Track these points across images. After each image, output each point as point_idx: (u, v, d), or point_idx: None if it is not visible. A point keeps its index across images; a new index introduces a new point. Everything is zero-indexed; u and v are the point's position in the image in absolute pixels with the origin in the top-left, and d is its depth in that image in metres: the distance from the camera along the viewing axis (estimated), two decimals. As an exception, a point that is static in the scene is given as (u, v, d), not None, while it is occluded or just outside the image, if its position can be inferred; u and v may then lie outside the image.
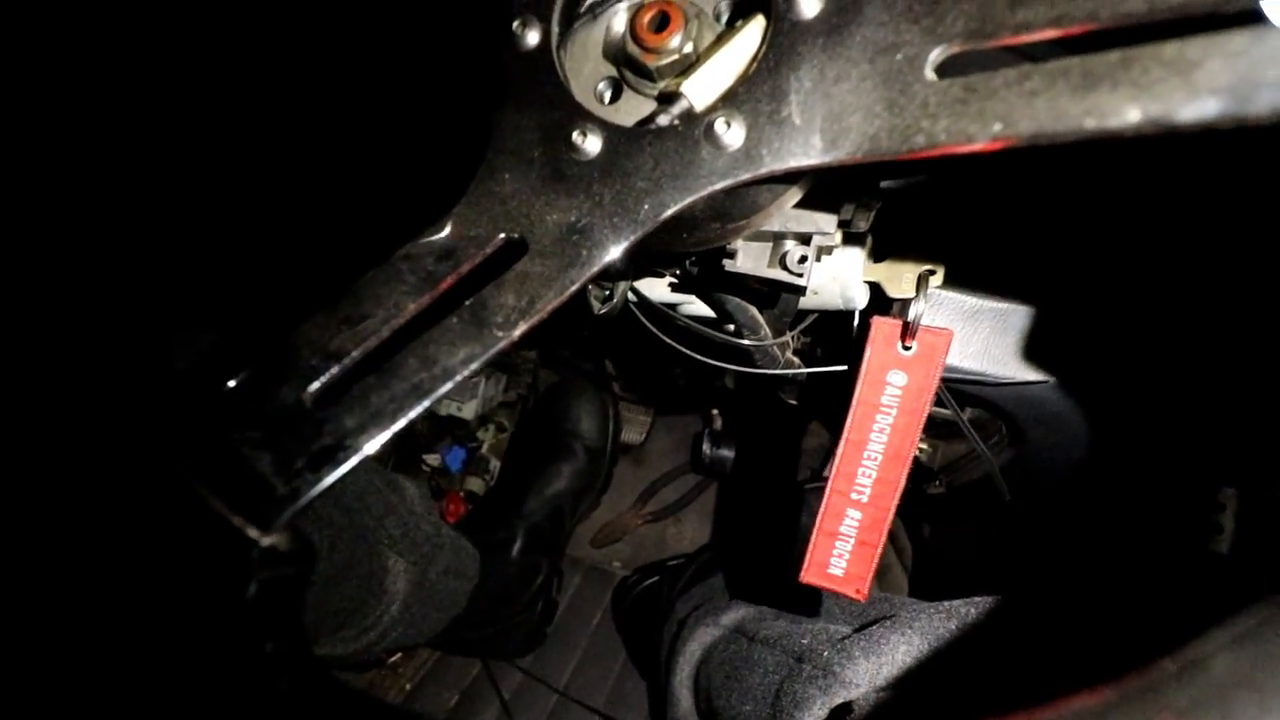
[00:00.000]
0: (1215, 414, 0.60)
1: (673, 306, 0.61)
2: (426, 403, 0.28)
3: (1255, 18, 0.22)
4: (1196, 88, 0.21)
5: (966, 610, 0.54)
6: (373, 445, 0.28)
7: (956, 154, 0.28)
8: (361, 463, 0.27)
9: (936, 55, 0.30)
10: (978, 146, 0.27)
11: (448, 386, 0.29)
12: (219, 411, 0.28)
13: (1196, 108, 0.21)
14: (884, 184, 0.44)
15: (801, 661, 0.62)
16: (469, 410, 1.36)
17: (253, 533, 0.26)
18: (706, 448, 1.30)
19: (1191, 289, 0.55)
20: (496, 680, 1.20)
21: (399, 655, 1.19)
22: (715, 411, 1.24)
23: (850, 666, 0.56)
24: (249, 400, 0.28)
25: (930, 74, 0.30)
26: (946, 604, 0.57)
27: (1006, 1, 0.28)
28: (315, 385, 0.28)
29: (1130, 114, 0.22)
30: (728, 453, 1.27)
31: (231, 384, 0.29)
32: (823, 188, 0.42)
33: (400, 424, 0.28)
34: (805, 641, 0.64)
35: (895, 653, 0.55)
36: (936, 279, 0.52)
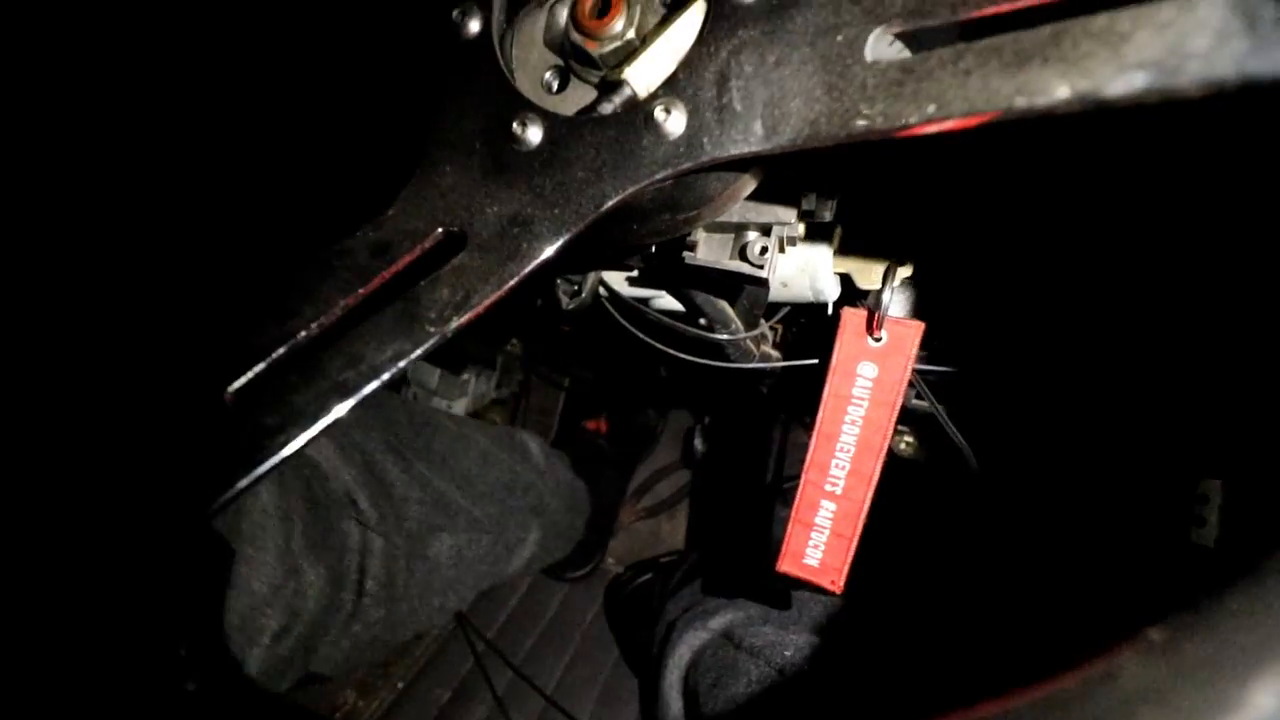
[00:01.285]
0: (1198, 404, 0.59)
1: (645, 301, 0.60)
2: (352, 401, 0.28)
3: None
4: (1125, 61, 0.20)
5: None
6: (293, 445, 0.27)
7: (894, 136, 0.27)
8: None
9: (877, 36, 0.29)
10: (913, 129, 0.26)
11: (375, 385, 0.28)
12: (143, 406, 0.27)
13: (1125, 81, 0.20)
14: (844, 174, 0.42)
15: (783, 675, 0.62)
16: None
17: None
18: (698, 443, 1.30)
19: (1173, 279, 0.53)
20: (490, 676, 1.20)
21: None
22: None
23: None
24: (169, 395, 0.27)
25: (870, 55, 0.29)
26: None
27: (944, -22, 0.26)
28: (236, 384, 0.28)
29: (1059, 90, 0.21)
30: (718, 448, 1.26)
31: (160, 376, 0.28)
32: (781, 178, 0.41)
33: (323, 423, 0.27)
34: (788, 654, 0.64)
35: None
36: (906, 270, 0.51)
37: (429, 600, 0.82)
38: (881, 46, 0.29)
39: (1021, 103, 0.22)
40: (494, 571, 0.98)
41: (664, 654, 0.90)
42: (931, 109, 0.25)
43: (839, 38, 0.29)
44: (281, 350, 0.28)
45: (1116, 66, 0.20)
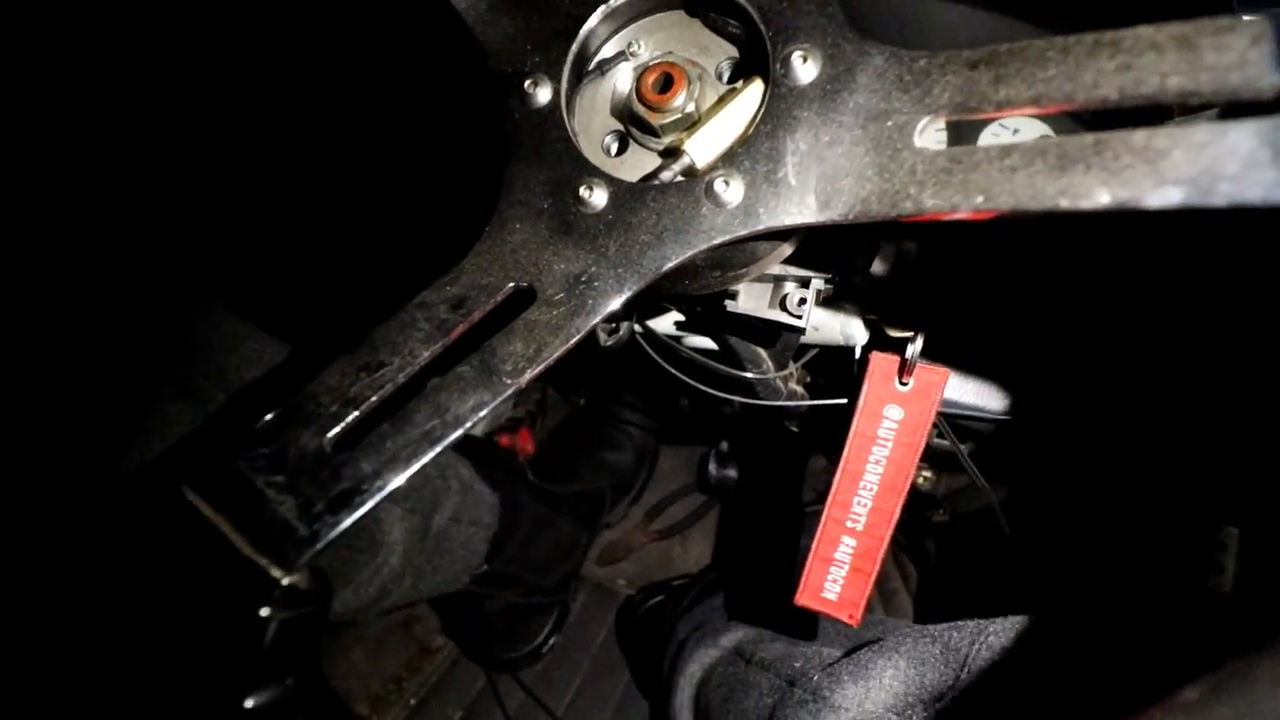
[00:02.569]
0: (1217, 453, 0.60)
1: (678, 339, 0.63)
2: (439, 448, 0.30)
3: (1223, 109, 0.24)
4: (1162, 177, 0.23)
5: (949, 634, 0.55)
6: (388, 489, 0.29)
7: (942, 220, 0.30)
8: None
9: (925, 124, 0.31)
10: (962, 215, 0.29)
11: (459, 433, 0.31)
12: (244, 455, 0.29)
13: (1162, 195, 0.23)
14: (880, 237, 0.45)
15: (793, 685, 0.63)
16: (478, 428, 1.38)
17: (276, 572, 0.27)
18: (712, 468, 1.31)
19: (1192, 330, 0.56)
20: (501, 696, 1.21)
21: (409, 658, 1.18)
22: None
23: (839, 691, 0.57)
24: (273, 444, 0.30)
25: (919, 141, 0.31)
26: (933, 628, 0.57)
27: (990, 79, 0.29)
28: (334, 431, 0.30)
29: (1101, 196, 0.24)
30: (733, 473, 1.28)
31: (257, 425, 0.30)
32: (822, 236, 0.44)
33: (414, 468, 0.30)
34: (798, 665, 0.65)
35: (882, 676, 0.56)
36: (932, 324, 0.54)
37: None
38: (928, 134, 0.31)
39: (1065, 204, 0.25)
40: (344, 570, 0.74)
41: (675, 672, 0.91)
42: (979, 200, 0.28)
43: (889, 123, 0.32)
44: (374, 399, 0.31)
45: (1155, 181, 0.23)
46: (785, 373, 0.61)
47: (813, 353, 0.62)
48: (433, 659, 1.25)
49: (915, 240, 0.48)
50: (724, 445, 1.31)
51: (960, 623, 0.56)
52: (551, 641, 1.14)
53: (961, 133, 0.48)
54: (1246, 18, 0.22)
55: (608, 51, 0.41)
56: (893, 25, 0.55)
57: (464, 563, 0.91)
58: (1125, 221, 0.25)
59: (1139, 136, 0.24)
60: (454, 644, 1.22)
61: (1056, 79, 0.27)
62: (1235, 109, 0.23)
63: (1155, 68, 0.24)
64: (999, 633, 0.52)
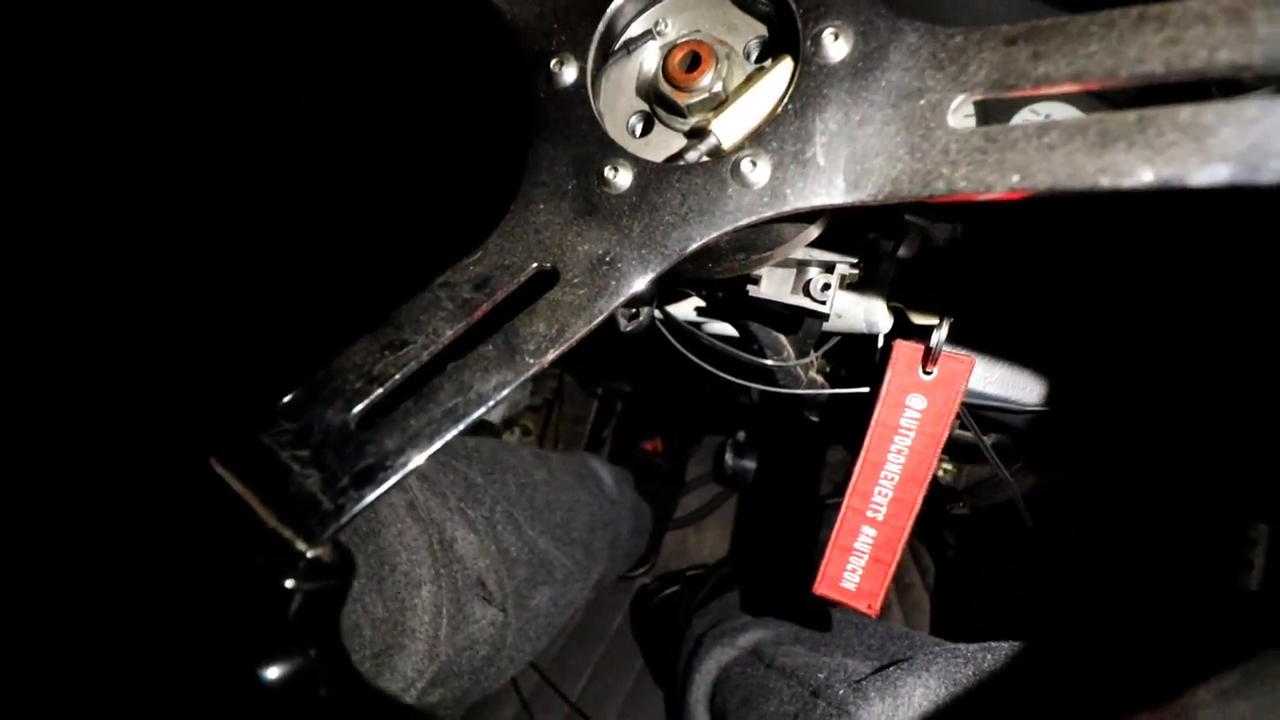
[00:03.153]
0: (1246, 449, 0.59)
1: (698, 325, 0.62)
2: (462, 426, 0.30)
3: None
4: (1209, 153, 0.22)
5: (983, 656, 0.54)
6: (411, 465, 0.29)
7: (975, 200, 0.29)
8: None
9: (959, 102, 0.31)
10: (996, 195, 0.28)
11: (482, 410, 0.31)
12: (271, 429, 0.30)
13: (1209, 172, 0.22)
14: (908, 218, 0.44)
15: (817, 697, 0.63)
16: (495, 414, 1.39)
17: (300, 545, 0.28)
18: (729, 458, 1.31)
19: (1224, 325, 0.54)
20: (517, 679, 1.22)
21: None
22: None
23: (865, 708, 0.57)
24: (299, 419, 0.30)
25: (952, 120, 0.30)
26: (965, 648, 0.57)
27: (1029, 54, 0.28)
28: (359, 407, 0.30)
29: (1144, 174, 0.23)
30: (750, 464, 1.27)
31: (283, 401, 0.31)
32: (847, 219, 0.43)
33: (437, 445, 0.30)
34: (822, 676, 0.65)
35: (912, 696, 0.55)
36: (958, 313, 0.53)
37: (523, 650, 0.84)
38: (960, 113, 0.31)
39: (1106, 181, 0.24)
40: (575, 606, 0.99)
41: (691, 669, 0.91)
42: (1016, 179, 0.27)
43: (922, 101, 0.31)
44: (397, 377, 0.31)
45: (1202, 158, 0.22)
46: (806, 360, 0.61)
47: (835, 340, 0.61)
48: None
49: (943, 222, 0.47)
50: (740, 435, 1.30)
51: (993, 644, 0.55)
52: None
53: (990, 117, 0.47)
54: (1304, -13, 0.21)
55: (634, 30, 0.40)
56: (925, 7, 0.54)
57: (634, 556, 1.25)
58: (1167, 202, 0.25)
59: (1185, 112, 0.23)
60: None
61: (1099, 54, 0.26)
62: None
63: (1204, 40, 0.23)
64: (1034, 656, 0.52)
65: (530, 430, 1.48)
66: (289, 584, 0.26)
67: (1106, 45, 0.26)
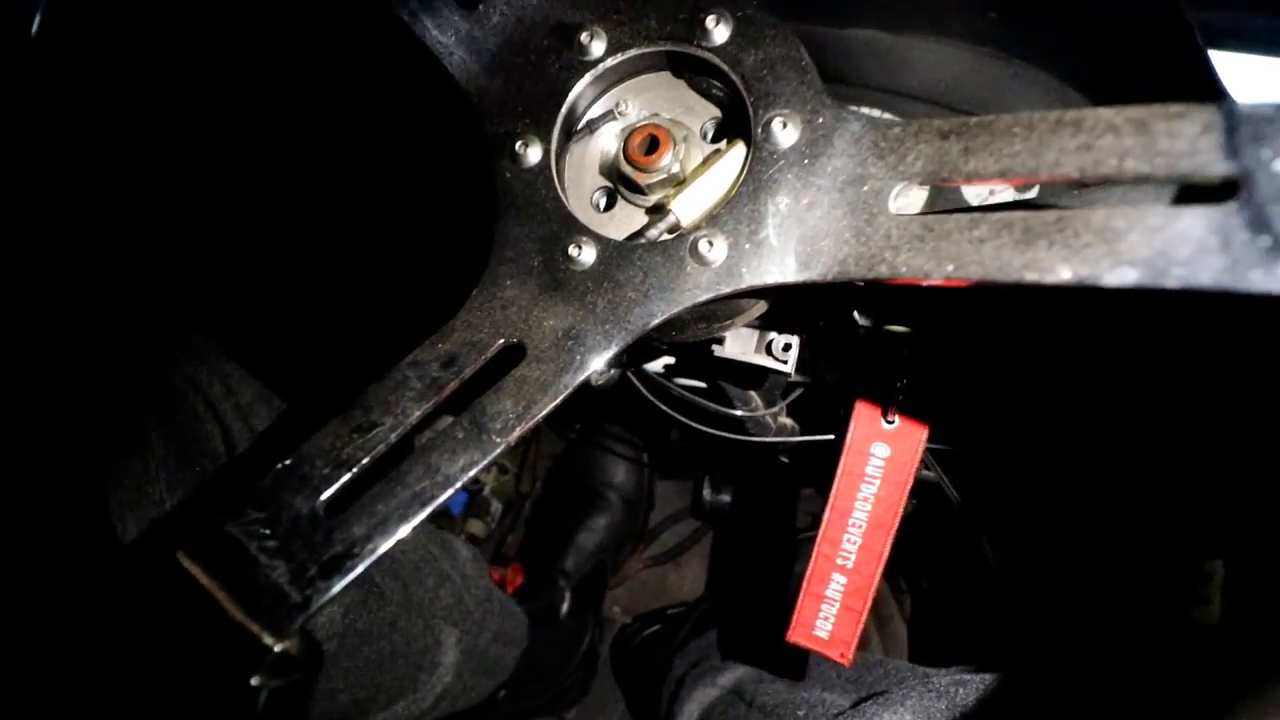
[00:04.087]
0: (1201, 489, 0.61)
1: (668, 376, 0.64)
2: (429, 509, 0.31)
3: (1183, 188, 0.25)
4: (1119, 257, 0.24)
5: (956, 690, 0.55)
6: (379, 551, 0.30)
7: (917, 284, 0.31)
8: (418, 528, 0.29)
9: (899, 190, 0.33)
10: (934, 282, 0.30)
11: (449, 493, 0.31)
12: (238, 519, 0.30)
13: (1119, 274, 0.24)
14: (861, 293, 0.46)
15: None
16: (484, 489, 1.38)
17: (268, 639, 0.28)
18: (707, 493, 1.31)
19: (1177, 367, 0.57)
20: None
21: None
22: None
23: None
24: (267, 508, 0.30)
25: (893, 206, 0.32)
26: (939, 680, 0.58)
27: (960, 149, 0.30)
28: (327, 493, 0.31)
29: (1063, 272, 0.25)
30: (728, 499, 1.28)
31: (253, 489, 0.31)
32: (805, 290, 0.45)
33: (405, 530, 0.30)
34: (801, 714, 0.65)
35: None
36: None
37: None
38: (901, 200, 0.33)
39: (1031, 276, 0.26)
40: (401, 686, 0.77)
41: (672, 712, 0.91)
42: (950, 268, 0.29)
43: (865, 188, 0.33)
44: (365, 460, 0.32)
45: (1113, 260, 0.24)
46: (774, 410, 0.62)
47: (801, 390, 0.63)
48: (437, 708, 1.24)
49: (899, 290, 0.49)
50: (717, 472, 1.31)
51: (965, 677, 0.56)
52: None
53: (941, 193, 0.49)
54: (1195, 106, 0.24)
55: (596, 111, 0.42)
56: (873, 63, 0.57)
57: (497, 680, 0.96)
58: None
59: (1098, 216, 0.25)
60: None
61: (1022, 154, 0.28)
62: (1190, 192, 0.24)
63: (1113, 149, 0.25)
64: (1005, 689, 0.53)
65: (508, 469, 1.48)
66: (255, 681, 0.26)
67: (1028, 146, 0.28)
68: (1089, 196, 0.39)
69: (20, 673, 0.34)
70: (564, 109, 0.39)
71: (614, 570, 1.30)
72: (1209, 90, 0.45)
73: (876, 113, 0.51)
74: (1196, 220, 0.22)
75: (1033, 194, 0.50)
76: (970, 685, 0.55)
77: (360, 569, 0.29)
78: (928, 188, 0.52)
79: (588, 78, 0.39)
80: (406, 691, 0.77)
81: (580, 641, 1.16)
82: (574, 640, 1.15)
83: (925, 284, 0.30)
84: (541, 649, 1.06)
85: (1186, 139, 0.24)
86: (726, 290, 0.35)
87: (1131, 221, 0.24)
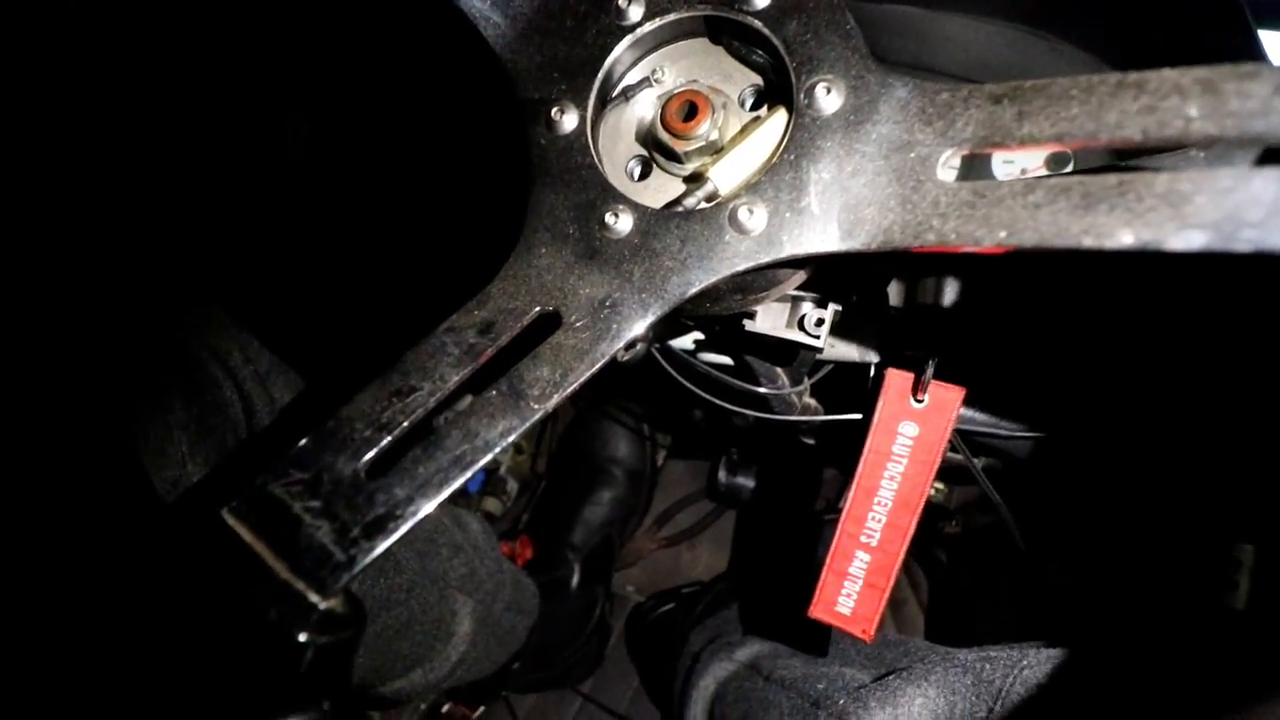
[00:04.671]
0: (1230, 473, 0.61)
1: (693, 353, 0.63)
2: (470, 473, 0.31)
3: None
4: (1185, 220, 0.23)
5: (981, 665, 0.55)
6: (421, 514, 0.30)
7: (964, 252, 0.30)
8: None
9: (948, 156, 0.32)
10: (984, 249, 0.29)
11: (489, 457, 0.31)
12: (282, 480, 0.30)
13: (1184, 238, 0.23)
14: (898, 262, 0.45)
15: (818, 707, 0.64)
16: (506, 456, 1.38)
17: (314, 597, 0.28)
18: (723, 474, 1.31)
19: (1210, 351, 0.56)
20: (512, 702, 1.21)
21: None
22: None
23: (866, 717, 0.57)
24: (309, 469, 0.31)
25: (941, 174, 0.32)
26: (962, 656, 0.58)
27: (1014, 114, 0.30)
28: (368, 456, 0.31)
29: (1124, 237, 0.24)
30: (744, 480, 1.28)
31: (293, 450, 0.31)
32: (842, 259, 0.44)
33: (446, 493, 0.30)
34: (821, 686, 0.65)
35: (911, 705, 0.56)
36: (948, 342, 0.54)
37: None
38: (948, 166, 0.32)
39: (1089, 242, 0.25)
40: (418, 654, 0.78)
41: (688, 686, 0.91)
42: (1003, 234, 0.28)
43: (912, 155, 0.33)
44: (405, 424, 0.32)
45: (1178, 224, 0.23)
46: (800, 388, 0.62)
47: (828, 369, 0.62)
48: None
49: (934, 266, 0.48)
50: (734, 452, 1.31)
51: (992, 653, 0.56)
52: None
53: (973, 161, 0.48)
54: (1269, 66, 0.23)
55: (632, 78, 0.41)
56: (907, 39, 0.56)
57: (510, 650, 0.98)
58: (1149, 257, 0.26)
59: (1163, 179, 0.24)
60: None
61: (1080, 117, 0.27)
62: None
63: (1179, 111, 0.25)
64: (1033, 665, 0.53)
65: (524, 449, 1.48)
66: (302, 638, 0.27)
67: (1087, 109, 0.27)
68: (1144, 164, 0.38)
69: (55, 633, 0.35)
70: (600, 75, 0.39)
71: (621, 544, 1.31)
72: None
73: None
74: (1269, 182, 0.22)
75: (1069, 169, 0.49)
76: (997, 662, 0.54)
77: (403, 530, 0.29)
78: (955, 167, 0.51)
79: (625, 43, 0.39)
80: (423, 659, 0.79)
81: (591, 612, 1.18)
82: (585, 612, 1.17)
83: (974, 250, 0.30)
84: (553, 620, 1.07)
85: (1259, 99, 0.23)
86: (766, 259, 0.35)
87: (1199, 184, 0.23)
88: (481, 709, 1.16)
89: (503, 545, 1.17)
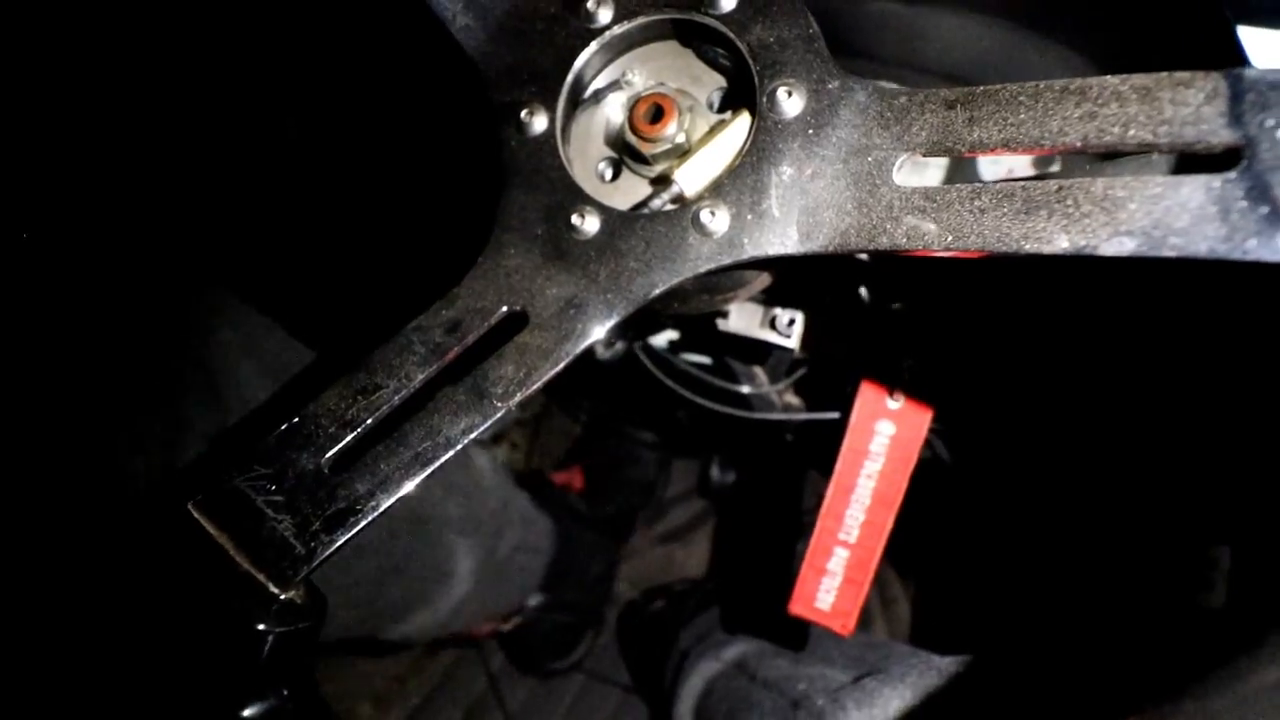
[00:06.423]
0: (1208, 475, 0.61)
1: (674, 352, 0.64)
2: (430, 469, 0.32)
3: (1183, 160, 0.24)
4: (1118, 227, 0.24)
5: (953, 668, 0.56)
6: (382, 508, 0.31)
7: (916, 255, 0.31)
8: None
9: (903, 160, 0.32)
10: (935, 252, 0.30)
11: (450, 454, 0.32)
12: (246, 475, 0.31)
13: (1116, 244, 0.24)
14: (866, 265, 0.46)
15: (797, 708, 0.65)
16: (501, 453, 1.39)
17: (274, 588, 0.29)
18: (715, 472, 1.32)
19: (1186, 351, 0.56)
20: (503, 697, 1.22)
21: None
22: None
23: (844, 717, 0.58)
24: (273, 464, 0.31)
25: (897, 178, 0.32)
26: (939, 660, 0.58)
27: (965, 120, 0.30)
28: (332, 452, 0.32)
29: (1061, 242, 0.25)
30: (735, 479, 1.29)
31: (259, 445, 0.32)
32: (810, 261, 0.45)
33: (407, 488, 0.31)
34: (802, 687, 0.66)
35: (888, 706, 0.57)
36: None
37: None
38: (906, 169, 0.32)
39: (1029, 247, 0.26)
40: (410, 600, 0.78)
41: (677, 683, 0.92)
42: (950, 239, 0.29)
43: (869, 158, 0.33)
44: (369, 421, 0.32)
45: (1111, 230, 0.24)
46: (779, 387, 0.62)
47: (804, 369, 0.63)
48: (436, 659, 1.27)
49: (908, 268, 0.49)
50: (725, 451, 1.32)
51: (969, 659, 0.57)
52: (590, 649, 1.23)
53: (960, 161, 0.48)
54: (1202, 74, 0.23)
55: (602, 81, 0.42)
56: (889, 36, 0.56)
57: (524, 588, 0.99)
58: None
59: (1099, 185, 0.25)
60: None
61: (1026, 123, 0.28)
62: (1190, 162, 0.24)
63: (1117, 118, 0.25)
64: (1008, 671, 0.53)
65: (518, 445, 1.49)
66: (261, 627, 0.28)
67: (1033, 115, 0.28)
68: (1111, 167, 0.38)
69: (29, 622, 0.36)
70: (570, 77, 0.39)
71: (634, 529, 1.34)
72: (1236, 65, 0.44)
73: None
74: (1196, 189, 0.22)
75: (1055, 168, 0.49)
76: (971, 665, 0.55)
77: (363, 524, 0.30)
78: (945, 166, 0.51)
79: (594, 45, 0.39)
80: (418, 604, 0.79)
81: (613, 566, 1.21)
82: (604, 553, 1.19)
83: (926, 254, 0.30)
84: (591, 567, 1.11)
85: (1191, 106, 0.23)
86: (728, 261, 0.35)
87: (1132, 190, 0.24)
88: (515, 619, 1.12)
89: (556, 475, 1.20)
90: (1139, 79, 0.25)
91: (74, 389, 0.58)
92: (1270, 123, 0.21)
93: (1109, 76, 0.26)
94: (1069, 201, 0.25)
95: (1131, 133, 0.25)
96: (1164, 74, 0.24)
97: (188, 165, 0.70)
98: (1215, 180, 0.22)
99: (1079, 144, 0.26)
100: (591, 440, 1.37)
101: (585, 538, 1.14)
